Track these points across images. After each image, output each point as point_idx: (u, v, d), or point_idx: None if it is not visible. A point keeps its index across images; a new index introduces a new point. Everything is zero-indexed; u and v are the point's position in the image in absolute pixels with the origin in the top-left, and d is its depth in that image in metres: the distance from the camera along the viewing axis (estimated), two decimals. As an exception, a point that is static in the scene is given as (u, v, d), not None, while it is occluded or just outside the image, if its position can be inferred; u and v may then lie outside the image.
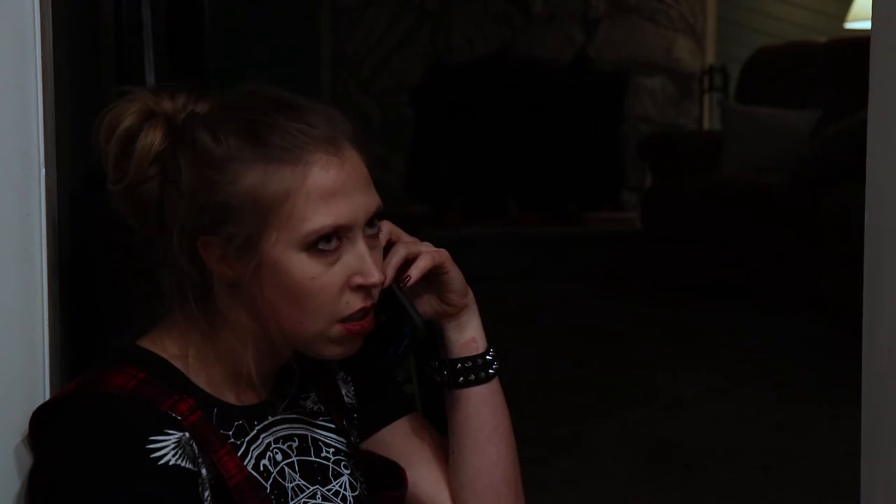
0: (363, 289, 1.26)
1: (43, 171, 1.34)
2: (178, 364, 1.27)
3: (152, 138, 1.26)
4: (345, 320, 1.26)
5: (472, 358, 1.38)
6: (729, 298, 5.18)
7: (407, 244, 1.34)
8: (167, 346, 1.28)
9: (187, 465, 1.20)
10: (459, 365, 1.38)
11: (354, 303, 1.26)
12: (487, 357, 1.39)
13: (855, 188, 1.74)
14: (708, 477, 3.03)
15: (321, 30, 6.78)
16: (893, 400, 1.32)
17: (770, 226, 5.05)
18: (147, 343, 1.29)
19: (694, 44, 6.87)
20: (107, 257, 1.60)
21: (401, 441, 1.42)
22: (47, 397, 1.30)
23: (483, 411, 1.39)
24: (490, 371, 1.39)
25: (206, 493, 1.22)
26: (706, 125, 6.87)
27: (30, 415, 1.26)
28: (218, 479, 1.23)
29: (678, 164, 5.87)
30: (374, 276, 1.26)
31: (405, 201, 6.46)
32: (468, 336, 1.38)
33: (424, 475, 1.40)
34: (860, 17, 6.06)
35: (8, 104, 1.32)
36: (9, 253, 1.32)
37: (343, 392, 1.42)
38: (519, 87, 6.68)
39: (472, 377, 1.38)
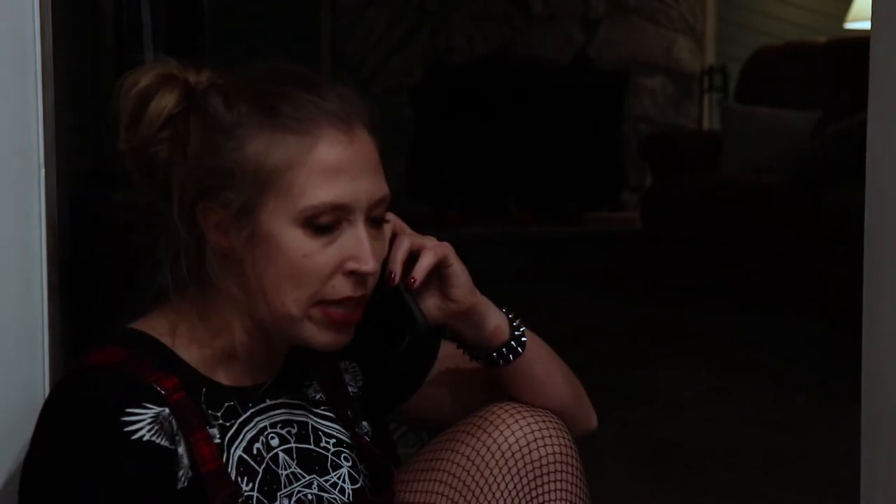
0: (356, 275, 1.23)
1: (43, 171, 1.34)
2: (166, 341, 1.26)
3: (167, 101, 1.24)
4: (325, 304, 1.23)
5: (504, 344, 1.38)
6: (729, 298, 5.18)
7: (410, 236, 1.32)
8: (156, 326, 1.27)
9: (162, 442, 1.18)
10: (494, 354, 1.38)
11: (342, 288, 1.23)
12: (516, 333, 1.38)
13: (855, 188, 1.74)
14: (708, 477, 3.02)
15: (321, 30, 6.77)
16: (893, 400, 1.32)
17: (770, 226, 5.05)
18: (137, 325, 1.27)
19: (694, 44, 6.87)
20: (107, 257, 1.60)
21: (436, 402, 1.44)
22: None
23: (531, 371, 1.40)
24: (523, 339, 1.39)
25: (182, 473, 1.20)
26: (706, 125, 6.87)
27: (29, 414, 1.26)
28: (193, 463, 1.21)
29: (678, 164, 5.87)
30: (370, 264, 1.22)
31: (405, 201, 6.46)
32: (491, 328, 1.37)
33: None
34: (860, 17, 6.06)
35: (8, 104, 1.32)
36: (9, 253, 1.32)
37: (347, 381, 1.40)
38: (519, 87, 6.68)
39: (511, 357, 1.38)
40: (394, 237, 1.31)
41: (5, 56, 1.32)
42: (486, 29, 6.79)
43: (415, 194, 6.64)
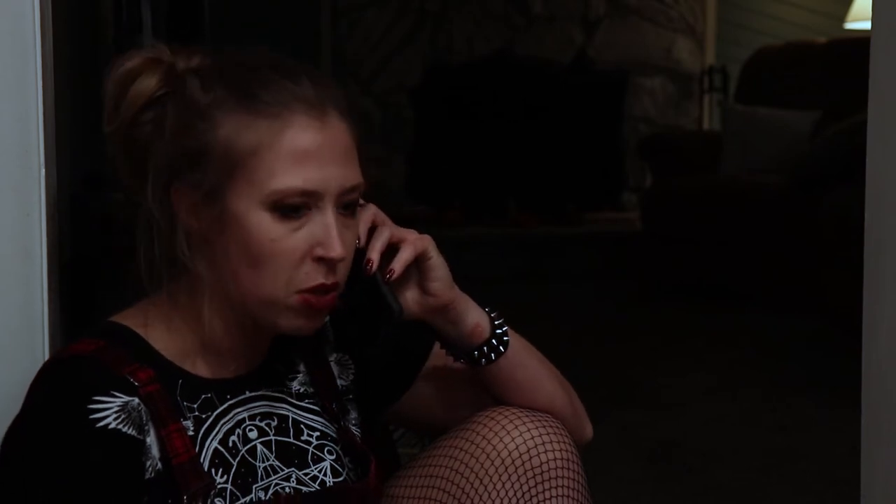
0: (325, 262, 1.22)
1: (43, 171, 1.34)
2: (142, 333, 1.26)
3: (148, 83, 1.25)
4: (303, 291, 1.23)
5: (485, 342, 1.36)
6: (729, 298, 5.18)
7: (391, 227, 1.31)
8: (134, 318, 1.27)
9: (129, 432, 1.18)
10: (476, 352, 1.36)
11: (314, 275, 1.22)
12: (497, 332, 1.37)
13: (855, 188, 1.74)
14: (708, 477, 3.02)
15: (321, 30, 6.77)
16: (893, 400, 1.32)
17: (770, 226, 5.05)
18: (117, 318, 1.28)
19: (694, 44, 6.87)
20: (106, 257, 1.61)
21: (427, 402, 1.43)
22: (47, 397, 1.30)
23: (514, 374, 1.38)
24: (506, 339, 1.37)
25: (149, 464, 1.20)
26: (706, 125, 6.87)
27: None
28: (164, 454, 1.21)
29: (678, 165, 5.87)
30: (336, 251, 1.22)
31: (405, 201, 6.46)
32: (471, 325, 1.35)
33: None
34: (860, 17, 6.06)
35: (8, 104, 1.32)
36: (9, 253, 1.32)
37: (336, 374, 1.40)
38: (519, 88, 6.68)
39: (493, 355, 1.36)
40: (374, 228, 1.31)
41: (5, 56, 1.32)
42: (486, 29, 6.79)
43: (415, 194, 6.64)
